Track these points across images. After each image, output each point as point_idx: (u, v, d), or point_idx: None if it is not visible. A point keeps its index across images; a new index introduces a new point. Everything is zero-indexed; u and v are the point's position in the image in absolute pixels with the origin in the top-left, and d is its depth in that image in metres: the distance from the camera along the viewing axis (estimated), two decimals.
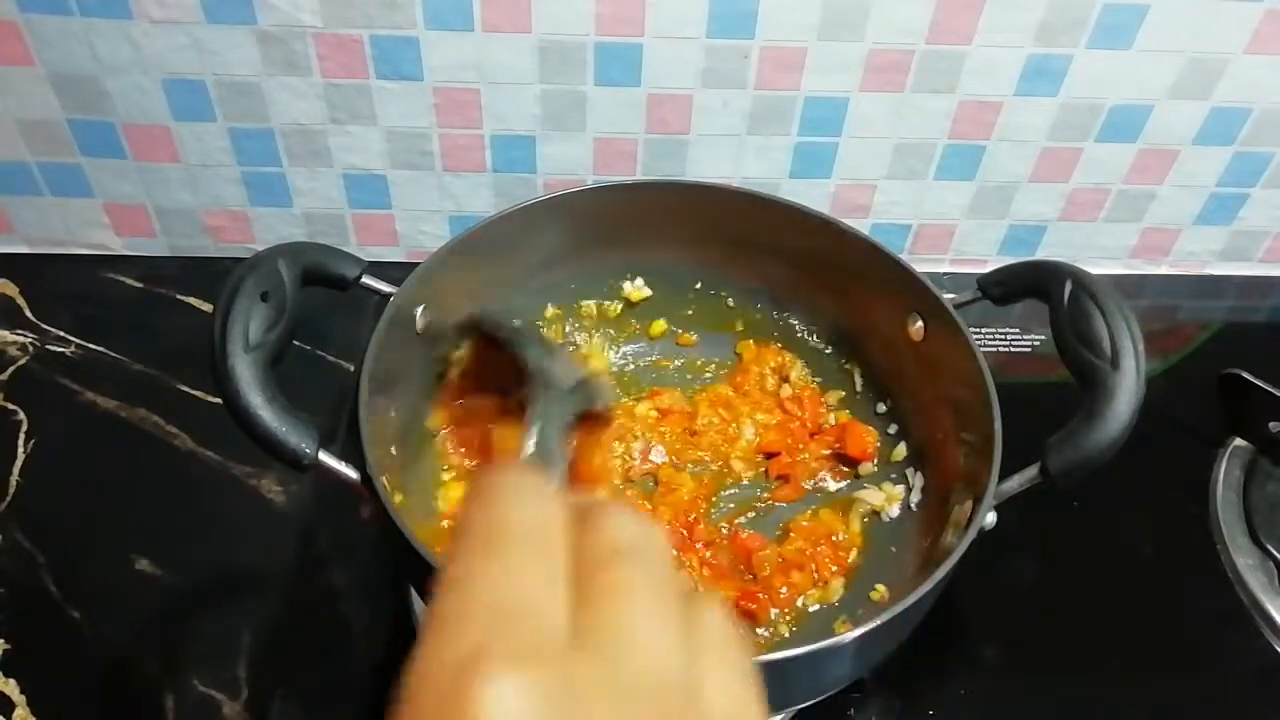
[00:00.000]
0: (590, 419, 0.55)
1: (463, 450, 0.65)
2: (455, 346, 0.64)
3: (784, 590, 0.62)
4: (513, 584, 0.22)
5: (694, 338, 0.77)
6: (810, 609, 0.63)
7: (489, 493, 0.25)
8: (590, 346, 0.76)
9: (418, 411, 0.64)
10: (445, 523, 0.62)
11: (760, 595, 0.62)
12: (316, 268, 0.56)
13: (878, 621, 0.47)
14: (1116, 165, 0.83)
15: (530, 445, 0.43)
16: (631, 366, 0.76)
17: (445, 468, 0.64)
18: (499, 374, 0.64)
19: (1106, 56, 0.75)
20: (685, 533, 0.65)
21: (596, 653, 0.21)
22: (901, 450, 0.68)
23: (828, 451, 0.70)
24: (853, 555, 0.65)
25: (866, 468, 0.69)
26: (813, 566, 0.64)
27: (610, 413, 0.60)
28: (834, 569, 0.64)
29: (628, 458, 0.70)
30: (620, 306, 0.75)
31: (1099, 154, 0.81)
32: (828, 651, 0.47)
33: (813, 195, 0.82)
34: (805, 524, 0.66)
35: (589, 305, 0.75)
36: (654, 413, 0.72)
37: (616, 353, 0.76)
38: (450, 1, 0.70)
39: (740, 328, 0.76)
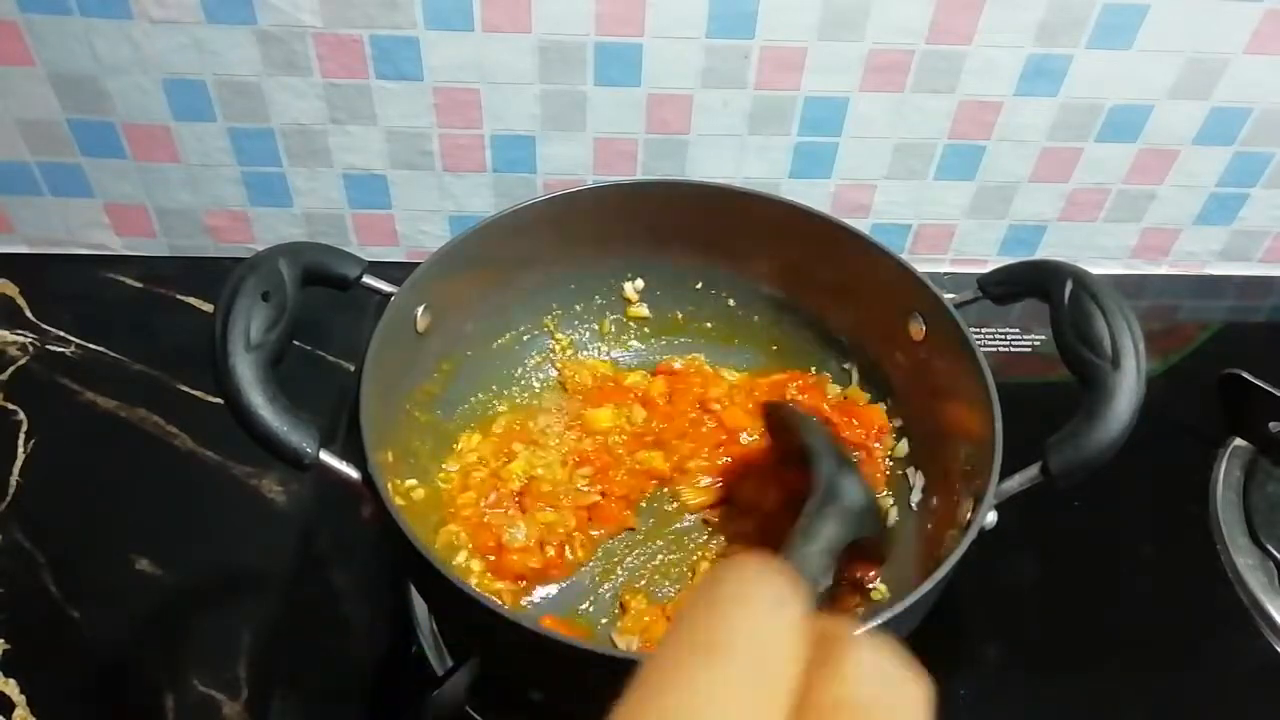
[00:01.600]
0: (863, 549, 0.53)
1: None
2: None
3: None
4: (722, 712, 0.19)
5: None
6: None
7: (719, 593, 0.21)
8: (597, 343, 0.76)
9: (418, 411, 0.64)
10: (451, 526, 0.62)
11: None
12: (317, 267, 0.56)
13: (878, 621, 0.47)
14: (1116, 165, 0.83)
15: (796, 554, 0.41)
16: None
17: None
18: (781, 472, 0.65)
19: (1106, 56, 0.75)
20: None
21: None
22: (902, 450, 0.68)
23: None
24: None
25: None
26: None
27: (886, 551, 0.58)
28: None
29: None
30: (620, 313, 0.76)
31: (1099, 154, 0.81)
32: None
33: (813, 195, 0.83)
34: None
35: (590, 307, 0.75)
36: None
37: (624, 352, 0.76)
38: (450, 1, 0.70)
39: (774, 347, 0.76)
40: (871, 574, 0.62)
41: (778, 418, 0.62)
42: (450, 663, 0.58)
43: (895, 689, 0.21)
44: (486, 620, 0.46)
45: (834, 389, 0.73)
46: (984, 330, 0.84)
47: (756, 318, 0.75)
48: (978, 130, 0.79)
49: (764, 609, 0.21)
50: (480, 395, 0.70)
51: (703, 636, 0.20)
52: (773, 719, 0.20)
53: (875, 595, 0.62)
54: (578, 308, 0.75)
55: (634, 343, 0.76)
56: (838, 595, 0.63)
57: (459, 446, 0.67)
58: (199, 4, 0.69)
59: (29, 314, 0.80)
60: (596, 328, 0.76)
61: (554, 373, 0.74)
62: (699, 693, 0.19)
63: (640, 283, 0.75)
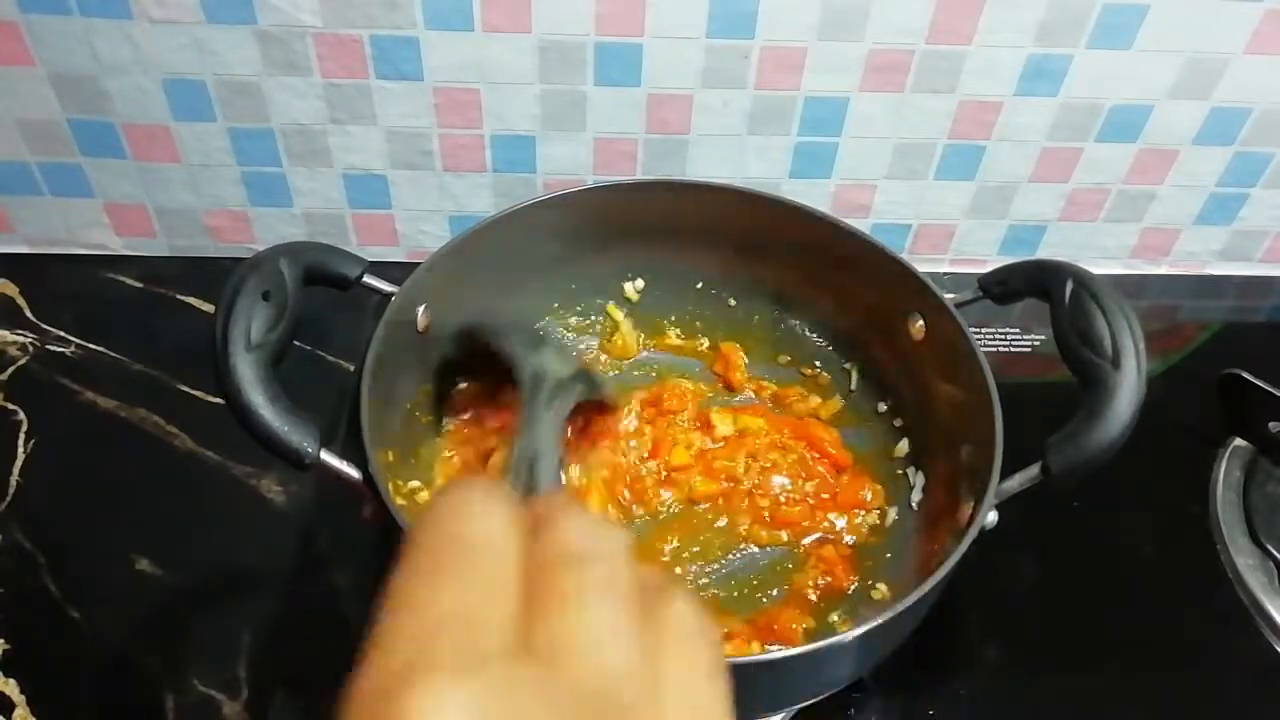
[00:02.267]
0: (592, 409, 0.54)
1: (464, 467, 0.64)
2: (452, 359, 0.64)
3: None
4: (454, 598, 0.21)
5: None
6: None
7: (436, 511, 0.24)
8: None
9: (419, 411, 0.64)
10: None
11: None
12: (318, 267, 0.56)
13: (878, 621, 0.47)
14: (1116, 165, 0.83)
15: (521, 444, 0.42)
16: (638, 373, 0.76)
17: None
18: (504, 385, 0.63)
19: (1106, 56, 0.75)
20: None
21: (541, 660, 0.21)
22: (902, 449, 0.68)
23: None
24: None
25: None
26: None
27: (613, 401, 0.58)
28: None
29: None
30: (620, 315, 0.76)
31: (1099, 154, 0.81)
32: (828, 651, 0.47)
33: (813, 195, 0.82)
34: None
35: (590, 307, 0.75)
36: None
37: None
38: (450, 1, 0.70)
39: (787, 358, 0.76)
40: (610, 424, 0.62)
41: (470, 339, 0.60)
42: None
43: (599, 533, 0.24)
44: None
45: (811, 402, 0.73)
46: (984, 330, 0.84)
47: (756, 318, 0.75)
48: (978, 130, 0.79)
49: (475, 513, 0.24)
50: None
51: (430, 551, 0.23)
52: (503, 591, 0.22)
53: (875, 595, 0.62)
54: (578, 308, 0.75)
55: (632, 344, 0.76)
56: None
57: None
58: (199, 4, 0.69)
59: (29, 314, 0.80)
60: (597, 328, 0.76)
61: None
62: (439, 591, 0.22)
63: (640, 283, 0.75)
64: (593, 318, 0.76)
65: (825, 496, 0.67)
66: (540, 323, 0.74)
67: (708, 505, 0.67)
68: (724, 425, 0.70)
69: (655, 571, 0.25)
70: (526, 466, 0.40)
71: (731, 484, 0.68)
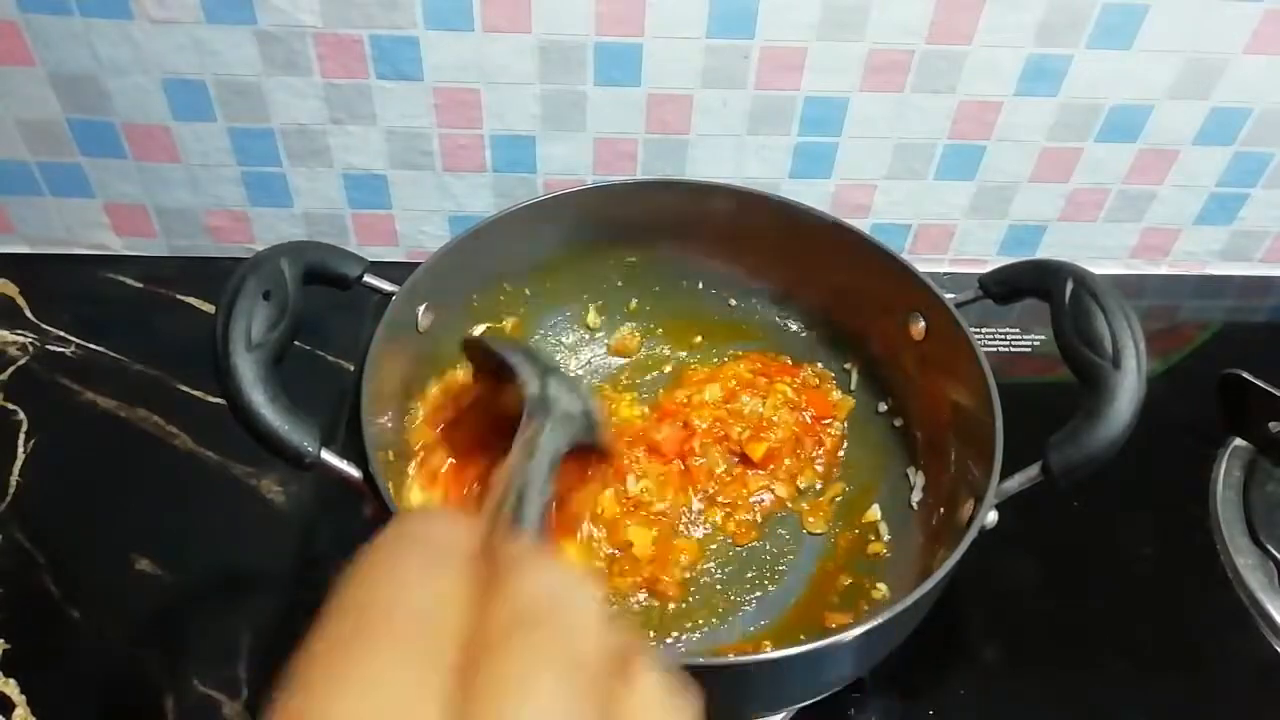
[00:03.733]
0: (585, 452, 0.53)
1: (440, 483, 0.63)
2: (450, 369, 0.63)
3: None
4: (381, 683, 0.18)
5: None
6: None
7: (372, 559, 0.21)
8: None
9: (418, 411, 0.64)
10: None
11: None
12: (318, 267, 0.56)
13: (878, 621, 0.47)
14: (1116, 165, 0.83)
15: (513, 472, 0.41)
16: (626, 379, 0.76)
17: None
18: (503, 405, 0.63)
19: (1106, 56, 0.75)
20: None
21: None
22: (903, 449, 0.68)
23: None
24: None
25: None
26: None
27: (609, 449, 0.58)
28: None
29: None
30: (620, 313, 0.76)
31: (1099, 154, 0.81)
32: (828, 651, 0.47)
33: (813, 195, 0.82)
34: None
35: (590, 306, 0.75)
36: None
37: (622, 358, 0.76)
38: (450, 1, 0.70)
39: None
40: (596, 472, 0.62)
41: (478, 351, 0.59)
42: None
43: (561, 590, 0.20)
44: None
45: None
46: (984, 330, 0.84)
47: (756, 317, 0.75)
48: (978, 130, 0.79)
49: (412, 567, 0.20)
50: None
51: (354, 619, 0.20)
52: (436, 677, 0.19)
53: (875, 595, 0.62)
54: (578, 307, 0.75)
55: (633, 343, 0.76)
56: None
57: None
58: (199, 4, 0.69)
59: (29, 314, 0.80)
60: (597, 327, 0.76)
61: None
62: (361, 681, 0.18)
63: (640, 282, 0.75)
64: (592, 316, 0.76)
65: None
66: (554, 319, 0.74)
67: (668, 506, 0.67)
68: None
69: (624, 638, 0.21)
70: (514, 496, 0.39)
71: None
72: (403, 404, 0.62)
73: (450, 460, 0.62)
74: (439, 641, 0.19)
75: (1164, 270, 0.92)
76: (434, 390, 0.64)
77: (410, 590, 0.20)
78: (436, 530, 0.21)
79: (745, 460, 0.69)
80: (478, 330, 0.70)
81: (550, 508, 0.38)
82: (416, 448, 0.64)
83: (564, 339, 0.75)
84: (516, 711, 0.18)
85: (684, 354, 0.76)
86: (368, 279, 0.58)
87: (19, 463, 0.70)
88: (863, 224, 0.84)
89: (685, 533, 0.66)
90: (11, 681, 0.59)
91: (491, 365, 0.57)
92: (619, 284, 0.75)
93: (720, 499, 0.68)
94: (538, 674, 0.18)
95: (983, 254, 0.89)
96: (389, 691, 0.18)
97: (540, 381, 0.50)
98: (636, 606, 0.63)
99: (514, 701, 0.18)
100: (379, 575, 0.20)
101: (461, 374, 0.65)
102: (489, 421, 0.63)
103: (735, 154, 0.80)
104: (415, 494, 0.60)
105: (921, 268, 0.64)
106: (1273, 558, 0.68)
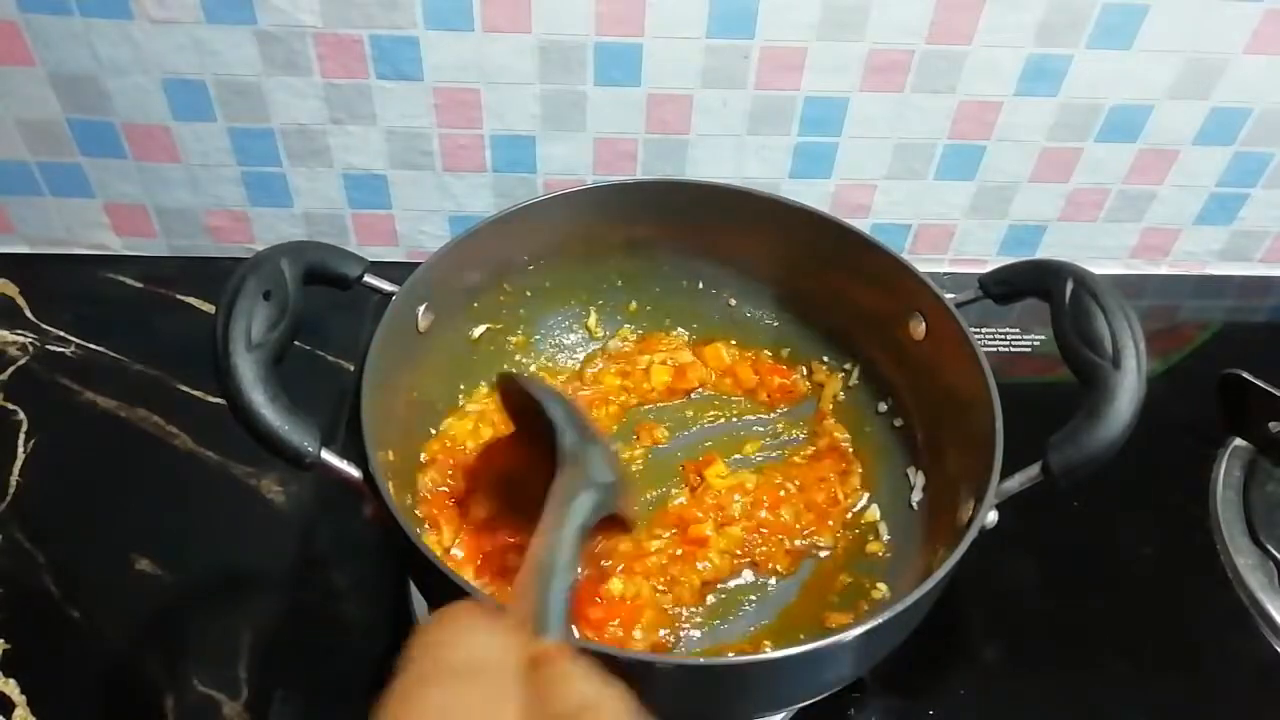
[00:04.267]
0: (612, 523, 0.53)
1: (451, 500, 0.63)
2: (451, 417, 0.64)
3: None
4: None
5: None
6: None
7: (433, 692, 0.23)
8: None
9: (418, 411, 0.64)
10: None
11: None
12: (319, 266, 0.56)
13: (878, 620, 0.47)
14: (1116, 165, 0.83)
15: (550, 537, 0.41)
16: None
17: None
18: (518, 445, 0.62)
19: (1106, 56, 0.75)
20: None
21: None
22: (903, 449, 0.68)
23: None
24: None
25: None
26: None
27: (633, 522, 0.58)
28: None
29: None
30: (620, 313, 0.76)
31: (1099, 154, 0.82)
32: (828, 651, 0.47)
33: (813, 195, 0.83)
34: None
35: (590, 307, 0.75)
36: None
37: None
38: (450, 1, 0.70)
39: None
40: (617, 541, 0.61)
41: (514, 390, 0.59)
42: None
43: (607, 693, 0.24)
44: None
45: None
46: (984, 330, 0.84)
47: (756, 318, 0.75)
48: (978, 130, 0.79)
49: (478, 634, 0.24)
50: (482, 394, 0.70)
51: (431, 667, 0.22)
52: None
53: (875, 595, 0.62)
54: (578, 308, 0.75)
55: (633, 342, 0.76)
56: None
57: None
58: (199, 4, 0.69)
59: (29, 314, 0.80)
60: (596, 328, 0.76)
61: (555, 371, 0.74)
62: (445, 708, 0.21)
63: (640, 282, 0.75)
64: (592, 317, 0.76)
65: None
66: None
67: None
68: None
69: None
70: (543, 580, 0.39)
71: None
72: (403, 404, 0.62)
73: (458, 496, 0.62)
74: (506, 688, 0.22)
75: (1164, 270, 0.92)
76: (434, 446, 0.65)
77: (477, 649, 0.23)
78: (483, 655, 0.24)
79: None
80: (478, 331, 0.70)
81: (578, 584, 0.38)
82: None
83: (564, 340, 0.75)
84: None
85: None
86: (368, 279, 0.58)
87: (19, 463, 0.70)
88: (863, 224, 0.84)
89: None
90: (11, 681, 0.59)
91: (521, 405, 0.57)
92: (619, 284, 0.75)
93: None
94: None
95: (983, 254, 0.89)
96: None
97: (577, 442, 0.51)
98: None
99: None
100: (449, 636, 0.23)
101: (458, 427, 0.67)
102: (505, 451, 0.63)
103: (735, 154, 0.80)
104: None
105: (921, 268, 0.63)
106: (1273, 558, 0.68)
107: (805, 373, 0.74)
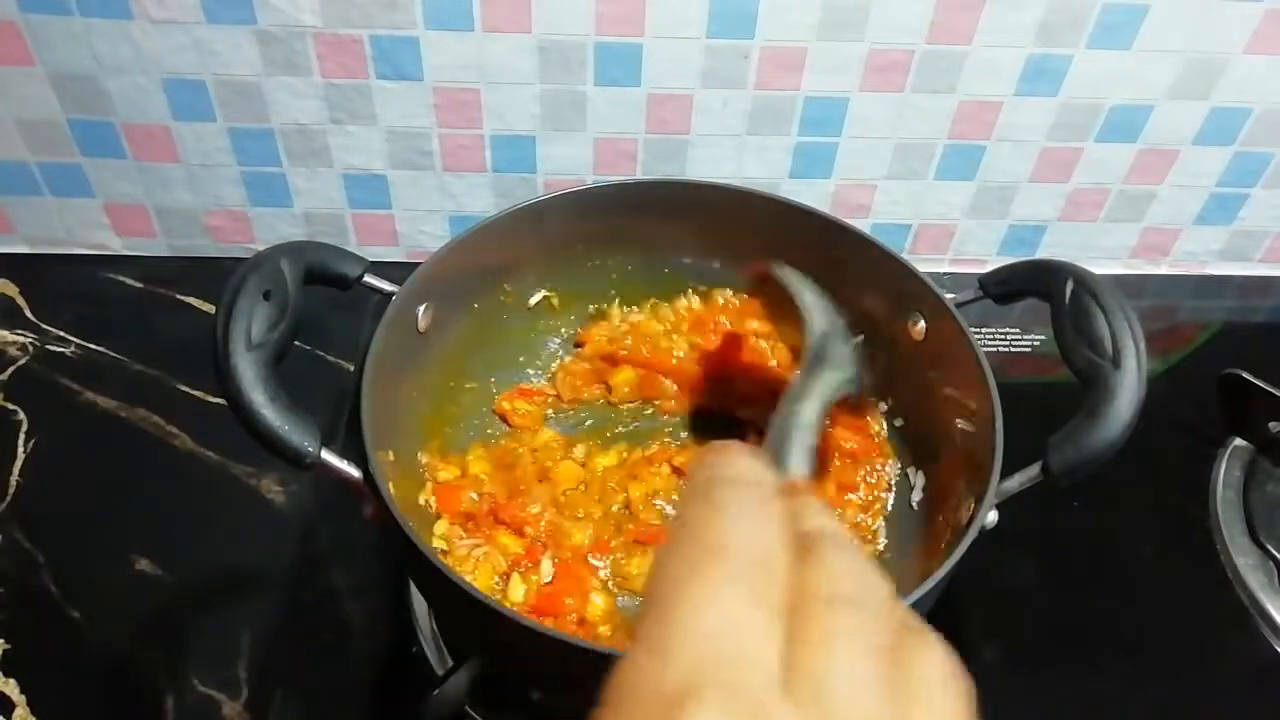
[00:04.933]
0: (844, 403, 0.57)
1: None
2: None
3: None
4: (728, 612, 0.22)
5: None
6: None
7: (711, 493, 0.25)
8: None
9: (418, 411, 0.64)
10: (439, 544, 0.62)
11: None
12: (319, 266, 0.56)
13: None
14: (1116, 165, 0.83)
15: (786, 411, 0.44)
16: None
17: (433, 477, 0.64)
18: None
19: (1106, 56, 0.75)
20: None
21: (801, 705, 0.21)
22: (903, 449, 0.68)
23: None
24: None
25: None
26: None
27: (865, 400, 0.62)
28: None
29: None
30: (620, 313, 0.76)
31: (1099, 154, 0.82)
32: None
33: (813, 195, 0.83)
34: None
35: (590, 307, 0.75)
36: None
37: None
38: (450, 1, 0.70)
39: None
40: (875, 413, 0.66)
41: (768, 276, 0.62)
42: (450, 663, 0.58)
43: (866, 577, 0.25)
44: (488, 620, 0.46)
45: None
46: (984, 330, 0.84)
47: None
48: (978, 130, 0.79)
49: (749, 511, 0.25)
50: (483, 393, 0.70)
51: (702, 549, 0.23)
52: (773, 613, 0.22)
53: None
54: (578, 307, 0.75)
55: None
56: None
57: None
58: (199, 4, 0.69)
59: (29, 314, 0.80)
60: (596, 327, 0.76)
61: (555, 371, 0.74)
62: (711, 600, 0.22)
63: (640, 282, 0.75)
64: (592, 317, 0.76)
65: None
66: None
67: None
68: None
69: (911, 618, 0.25)
70: (783, 435, 0.42)
71: None
72: (403, 404, 0.62)
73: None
74: (769, 585, 0.23)
75: (1164, 270, 0.92)
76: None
77: (742, 536, 0.24)
78: (748, 473, 0.26)
79: None
80: (478, 330, 0.70)
81: (815, 449, 0.41)
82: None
83: (564, 340, 0.75)
84: (838, 670, 0.22)
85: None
86: (368, 279, 0.58)
87: (19, 463, 0.70)
88: (863, 224, 0.84)
89: None
90: (11, 681, 0.59)
91: (776, 295, 0.61)
92: (619, 283, 0.75)
93: None
94: (851, 642, 0.22)
95: (983, 254, 0.89)
96: (732, 617, 0.22)
97: (825, 330, 0.55)
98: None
99: (836, 662, 0.22)
100: (714, 516, 0.24)
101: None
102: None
103: (735, 154, 0.80)
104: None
105: (921, 268, 0.63)
106: (1273, 558, 0.68)
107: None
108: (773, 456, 0.40)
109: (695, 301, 0.75)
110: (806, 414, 0.44)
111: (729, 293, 0.74)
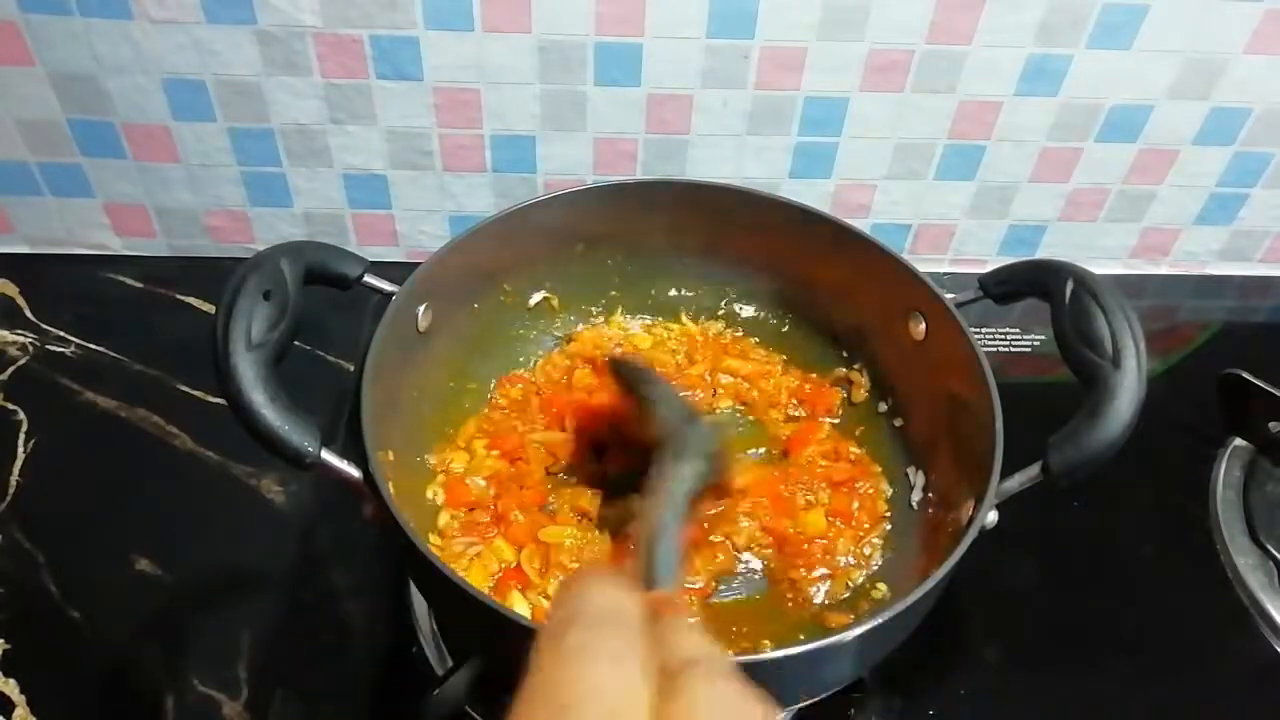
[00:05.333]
0: (712, 492, 0.55)
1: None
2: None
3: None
4: (604, 672, 0.23)
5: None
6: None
7: (565, 638, 0.25)
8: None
9: (418, 411, 0.64)
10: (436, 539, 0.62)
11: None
12: (319, 266, 0.56)
13: (878, 620, 0.47)
14: (1116, 165, 0.83)
15: (659, 511, 0.44)
16: None
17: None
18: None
19: (1106, 56, 0.75)
20: None
21: None
22: (903, 449, 0.68)
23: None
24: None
25: None
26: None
27: (733, 488, 0.60)
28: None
29: None
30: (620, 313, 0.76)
31: (1099, 154, 0.82)
32: (828, 650, 0.47)
33: (813, 195, 0.83)
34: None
35: (591, 307, 0.75)
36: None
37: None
38: (450, 1, 0.70)
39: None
40: (721, 506, 0.63)
41: (621, 373, 0.62)
42: (450, 663, 0.58)
43: (711, 651, 0.25)
44: (488, 620, 0.46)
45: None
46: (984, 330, 0.84)
47: (756, 318, 0.75)
48: (978, 130, 0.79)
49: (604, 668, 0.24)
50: (481, 393, 0.70)
51: (556, 700, 0.23)
52: (642, 669, 0.23)
53: (875, 595, 0.62)
54: (578, 307, 0.75)
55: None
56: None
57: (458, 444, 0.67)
58: (199, 4, 0.69)
59: (29, 314, 0.80)
60: (597, 328, 0.76)
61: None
62: (588, 655, 0.23)
63: (640, 282, 0.75)
64: (593, 317, 0.76)
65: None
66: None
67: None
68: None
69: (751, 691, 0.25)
70: (647, 548, 0.42)
71: None
72: (403, 404, 0.62)
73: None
74: (635, 638, 0.23)
75: (1164, 270, 0.92)
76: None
77: (597, 690, 0.23)
78: (606, 607, 0.26)
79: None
80: (477, 329, 0.70)
81: (683, 549, 0.41)
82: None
83: (560, 340, 0.75)
84: (704, 714, 0.22)
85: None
86: (368, 279, 0.58)
87: (19, 463, 0.70)
88: (863, 224, 0.84)
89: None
90: (11, 681, 0.59)
91: (627, 385, 0.60)
92: (619, 283, 0.75)
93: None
94: (716, 694, 0.23)
95: (982, 254, 0.89)
96: (616, 671, 0.22)
97: (678, 419, 0.53)
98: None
99: (703, 709, 0.22)
100: (568, 666, 0.24)
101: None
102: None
103: (735, 154, 0.80)
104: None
105: (921, 268, 0.63)
106: (1273, 558, 0.68)
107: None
108: (642, 570, 0.39)
109: (692, 326, 0.76)
110: (666, 519, 0.44)
111: (720, 325, 0.76)
